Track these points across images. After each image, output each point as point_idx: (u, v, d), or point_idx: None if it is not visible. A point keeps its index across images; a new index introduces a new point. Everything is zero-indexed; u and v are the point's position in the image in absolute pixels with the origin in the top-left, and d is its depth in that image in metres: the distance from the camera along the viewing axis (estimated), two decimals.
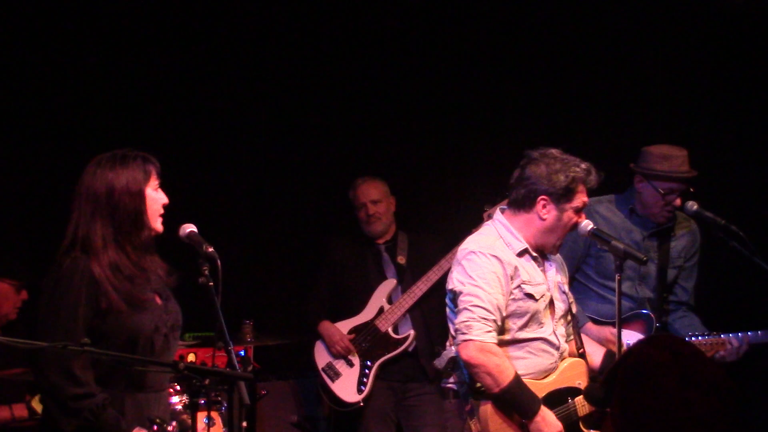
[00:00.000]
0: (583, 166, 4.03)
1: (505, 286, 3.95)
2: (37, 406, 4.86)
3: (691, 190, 4.80)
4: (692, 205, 4.79)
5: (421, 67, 6.48)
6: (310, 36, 6.41)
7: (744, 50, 5.90)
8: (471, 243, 4.06)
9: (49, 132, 5.83)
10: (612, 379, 2.30)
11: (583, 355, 4.18)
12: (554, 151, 4.05)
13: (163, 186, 3.60)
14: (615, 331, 4.29)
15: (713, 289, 5.21)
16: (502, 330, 3.98)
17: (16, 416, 4.95)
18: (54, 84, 5.83)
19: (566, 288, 4.21)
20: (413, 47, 6.48)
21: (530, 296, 4.00)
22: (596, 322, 4.79)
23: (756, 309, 5.35)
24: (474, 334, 3.89)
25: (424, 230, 6.09)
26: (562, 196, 3.99)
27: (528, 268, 4.03)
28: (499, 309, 3.92)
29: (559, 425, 3.95)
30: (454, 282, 4.03)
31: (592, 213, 4.62)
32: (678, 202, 4.79)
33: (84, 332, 3.32)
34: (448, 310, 4.10)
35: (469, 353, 3.89)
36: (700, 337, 4.71)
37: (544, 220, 4.02)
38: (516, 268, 3.98)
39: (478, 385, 3.97)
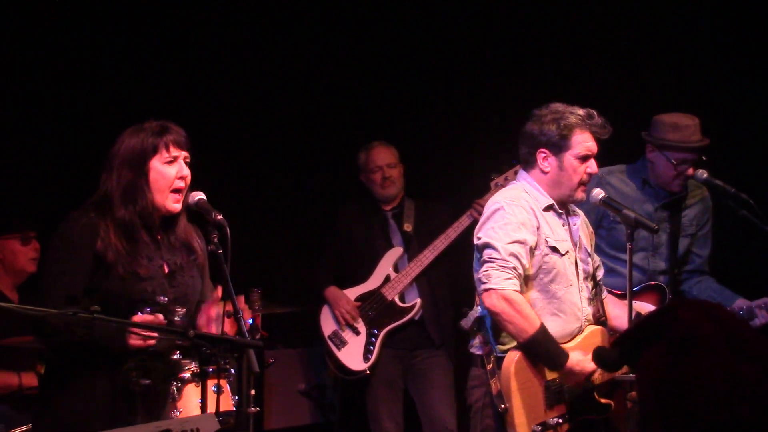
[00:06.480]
0: (580, 112, 4.03)
1: (529, 234, 3.94)
2: None
3: (704, 158, 4.78)
4: (702, 173, 4.77)
5: (427, 34, 6.43)
6: (318, 2, 6.37)
7: (760, 16, 5.84)
8: (498, 196, 4.07)
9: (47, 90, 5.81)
10: (629, 343, 2.24)
11: (604, 323, 4.17)
12: (555, 105, 4.06)
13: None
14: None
15: (722, 258, 5.18)
16: (530, 284, 3.97)
17: (24, 384, 4.91)
18: (55, 62, 5.80)
19: (591, 250, 4.21)
20: (420, 13, 6.42)
21: (555, 250, 4.00)
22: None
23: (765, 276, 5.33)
24: (494, 283, 3.88)
25: (432, 198, 6.06)
26: (556, 144, 4.00)
27: (552, 223, 4.04)
28: (517, 257, 3.90)
29: (591, 366, 3.91)
30: (477, 235, 4.03)
31: (603, 184, 4.63)
32: (691, 171, 4.77)
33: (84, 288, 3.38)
34: (474, 264, 4.08)
35: (491, 302, 3.89)
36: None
37: (546, 173, 4.04)
38: (539, 221, 3.99)
39: (503, 335, 3.97)
